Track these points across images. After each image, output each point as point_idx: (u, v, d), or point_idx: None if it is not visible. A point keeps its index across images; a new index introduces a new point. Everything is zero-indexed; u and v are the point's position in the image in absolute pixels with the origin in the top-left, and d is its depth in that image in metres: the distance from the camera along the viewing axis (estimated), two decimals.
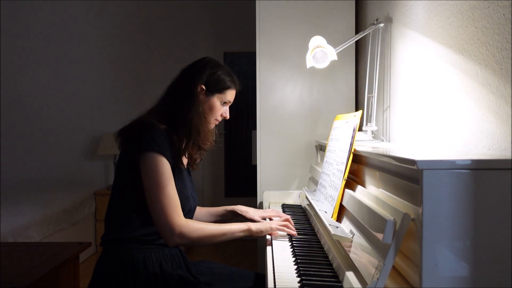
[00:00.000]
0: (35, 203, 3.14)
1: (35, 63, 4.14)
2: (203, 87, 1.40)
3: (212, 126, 1.47)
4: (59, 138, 4.15)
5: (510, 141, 0.98)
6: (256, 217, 1.60)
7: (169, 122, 1.36)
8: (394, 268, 0.92)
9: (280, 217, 1.58)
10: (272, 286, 1.05)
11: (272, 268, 1.17)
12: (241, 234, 1.37)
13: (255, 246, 2.48)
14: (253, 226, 1.39)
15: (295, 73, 2.30)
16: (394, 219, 0.87)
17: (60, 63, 4.14)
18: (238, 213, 1.63)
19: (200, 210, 1.65)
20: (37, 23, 4.12)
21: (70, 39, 4.13)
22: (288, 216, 1.54)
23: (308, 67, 1.90)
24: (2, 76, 4.12)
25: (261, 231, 1.40)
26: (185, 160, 1.44)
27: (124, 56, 4.13)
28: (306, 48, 1.92)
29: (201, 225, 1.30)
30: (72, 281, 1.77)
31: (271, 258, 1.26)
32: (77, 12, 4.11)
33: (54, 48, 4.13)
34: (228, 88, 1.44)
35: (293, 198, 2.17)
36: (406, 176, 0.95)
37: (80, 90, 4.14)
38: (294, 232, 1.45)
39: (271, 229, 1.42)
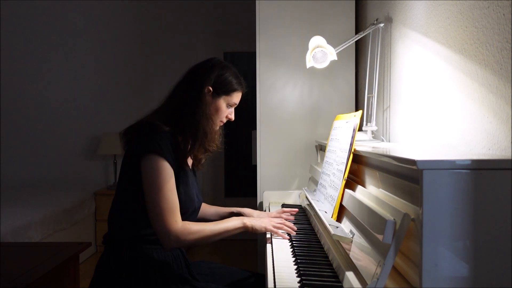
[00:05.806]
0: (35, 203, 3.14)
1: (35, 63, 4.14)
2: (210, 88, 1.39)
3: (217, 127, 1.46)
4: (59, 138, 4.15)
5: (510, 141, 0.98)
6: None
7: (175, 123, 1.35)
8: (394, 268, 0.92)
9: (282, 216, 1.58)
10: (272, 286, 1.05)
11: (272, 268, 1.17)
12: (237, 231, 1.37)
13: (255, 246, 2.48)
14: (248, 223, 1.39)
15: (295, 73, 2.30)
16: (394, 219, 0.87)
17: (60, 63, 4.13)
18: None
19: (209, 209, 1.65)
20: (38, 23, 4.11)
21: (70, 39, 4.12)
22: (284, 209, 1.54)
23: (308, 67, 1.90)
24: (2, 76, 4.12)
25: (256, 229, 1.40)
26: (190, 161, 1.43)
27: (124, 56, 4.13)
28: (306, 48, 1.92)
29: (197, 227, 1.29)
30: (72, 281, 1.77)
31: (271, 258, 1.26)
32: (77, 12, 4.11)
33: (54, 48, 4.13)
34: (235, 90, 1.43)
35: (293, 198, 2.17)
36: (406, 176, 0.95)
37: (80, 90, 4.14)
38: (291, 231, 1.45)
39: (266, 229, 1.42)
